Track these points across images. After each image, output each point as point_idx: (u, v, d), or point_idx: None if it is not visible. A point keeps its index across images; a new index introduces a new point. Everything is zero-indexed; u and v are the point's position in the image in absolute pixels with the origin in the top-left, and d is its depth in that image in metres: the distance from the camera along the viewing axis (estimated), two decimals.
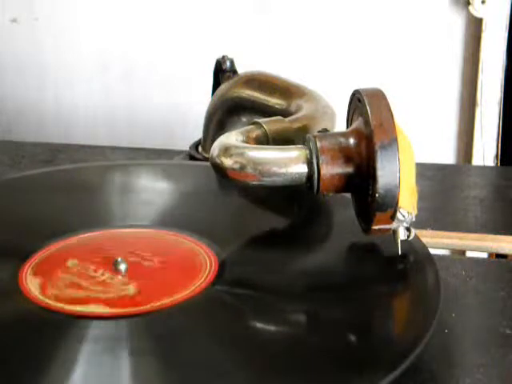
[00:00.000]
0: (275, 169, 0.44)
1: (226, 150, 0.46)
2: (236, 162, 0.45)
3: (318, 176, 0.43)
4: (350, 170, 0.43)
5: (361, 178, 0.43)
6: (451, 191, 0.72)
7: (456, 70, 1.00)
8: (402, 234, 0.43)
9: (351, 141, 0.44)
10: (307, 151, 0.44)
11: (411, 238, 0.43)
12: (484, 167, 0.94)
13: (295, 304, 0.41)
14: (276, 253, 0.47)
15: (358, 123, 0.44)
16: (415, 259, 0.44)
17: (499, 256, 0.64)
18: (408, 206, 0.42)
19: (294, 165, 0.44)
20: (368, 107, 0.42)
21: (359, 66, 1.01)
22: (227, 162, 0.45)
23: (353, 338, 0.38)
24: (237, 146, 0.46)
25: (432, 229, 0.59)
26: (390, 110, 0.42)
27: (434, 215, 0.63)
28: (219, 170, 0.46)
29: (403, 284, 0.44)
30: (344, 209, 0.48)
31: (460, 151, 1.02)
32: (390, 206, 0.41)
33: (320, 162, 0.43)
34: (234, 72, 0.72)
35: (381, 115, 0.42)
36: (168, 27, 1.07)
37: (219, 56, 0.73)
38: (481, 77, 0.97)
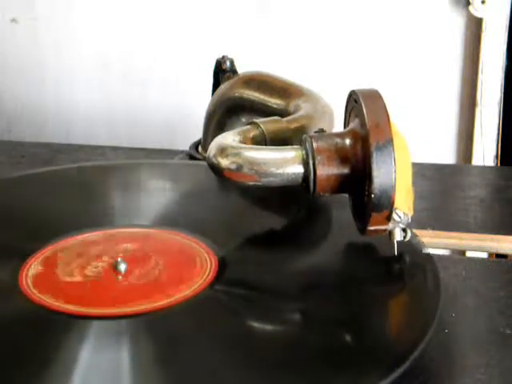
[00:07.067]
0: (271, 169, 0.44)
1: (223, 151, 0.46)
2: (232, 163, 0.45)
3: (314, 177, 0.43)
4: (346, 170, 0.43)
5: (357, 179, 0.43)
6: (451, 191, 0.72)
7: (456, 70, 1.00)
8: (398, 235, 0.43)
9: (347, 141, 0.44)
10: (303, 152, 0.44)
11: (407, 238, 0.43)
12: (484, 167, 0.93)
13: (294, 304, 0.41)
14: (275, 253, 0.47)
15: (354, 124, 0.44)
16: (415, 259, 0.44)
17: (499, 256, 0.64)
18: (404, 206, 0.42)
19: (290, 165, 0.44)
20: (364, 108, 0.42)
21: (359, 67, 1.01)
22: (224, 162, 0.45)
23: (352, 338, 0.38)
24: (233, 146, 0.46)
25: (432, 229, 0.59)
26: (386, 110, 0.42)
27: (434, 215, 0.63)
28: (216, 170, 0.46)
29: (403, 284, 0.44)
30: (342, 209, 0.48)
31: (460, 151, 1.02)
32: (385, 206, 0.41)
33: (316, 162, 0.43)
34: (234, 72, 0.72)
35: (377, 116, 0.42)
36: (168, 27, 1.07)
37: (219, 56, 0.73)
38: (481, 77, 0.96)
